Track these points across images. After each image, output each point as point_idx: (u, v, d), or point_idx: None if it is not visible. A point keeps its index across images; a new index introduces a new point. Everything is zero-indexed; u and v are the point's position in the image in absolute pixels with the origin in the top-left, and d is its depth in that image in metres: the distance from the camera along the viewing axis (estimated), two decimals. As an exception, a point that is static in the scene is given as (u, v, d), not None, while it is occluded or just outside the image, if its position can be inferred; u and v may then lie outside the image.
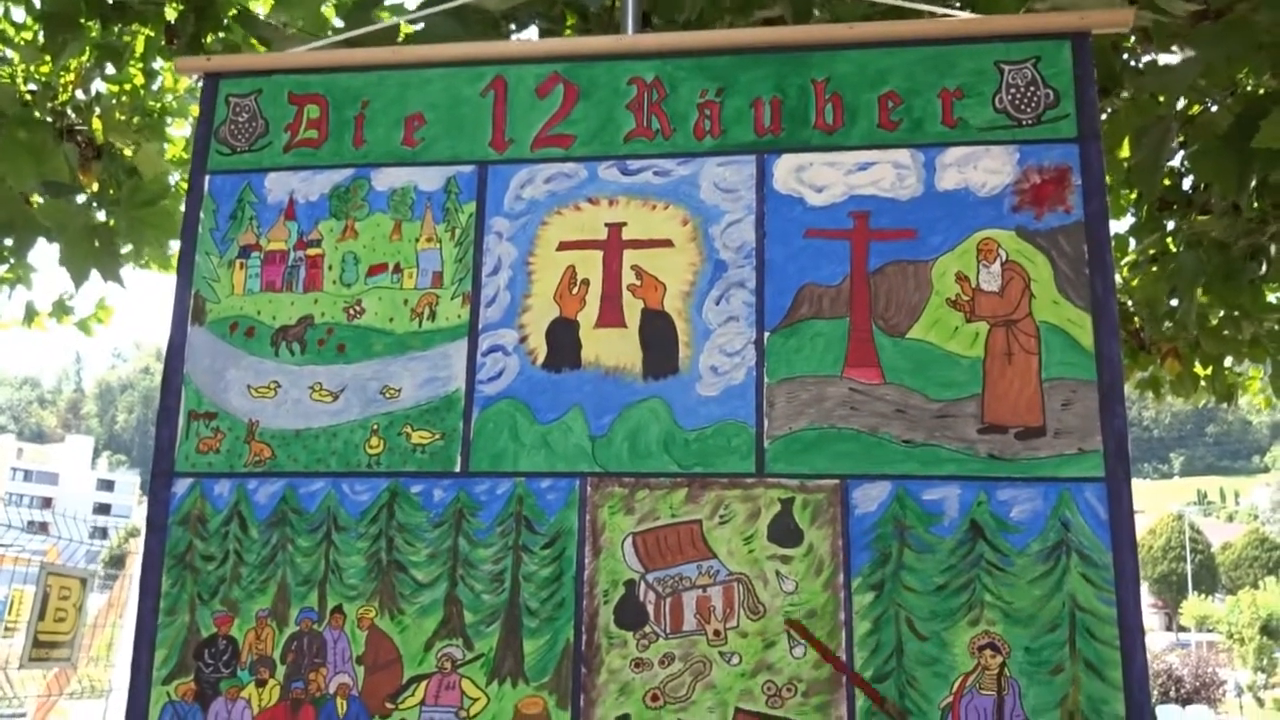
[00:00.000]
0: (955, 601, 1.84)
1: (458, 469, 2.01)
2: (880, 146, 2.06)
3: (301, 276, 2.15)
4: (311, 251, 2.16)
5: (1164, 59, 2.63)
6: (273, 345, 2.12)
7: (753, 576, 1.89)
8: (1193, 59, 2.45)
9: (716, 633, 1.88)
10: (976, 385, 1.93)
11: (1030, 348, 1.94)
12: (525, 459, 2.00)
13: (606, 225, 2.10)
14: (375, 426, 2.05)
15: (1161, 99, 3.33)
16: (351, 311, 2.12)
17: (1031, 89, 2.04)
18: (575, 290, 2.08)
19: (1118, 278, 5.89)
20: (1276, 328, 5.07)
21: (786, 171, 2.07)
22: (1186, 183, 4.63)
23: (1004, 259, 1.98)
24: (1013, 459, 1.89)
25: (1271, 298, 5.75)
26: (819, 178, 2.06)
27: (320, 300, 2.14)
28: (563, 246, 2.10)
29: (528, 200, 2.13)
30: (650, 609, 1.91)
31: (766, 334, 2.00)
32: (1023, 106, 2.04)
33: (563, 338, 2.06)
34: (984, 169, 2.02)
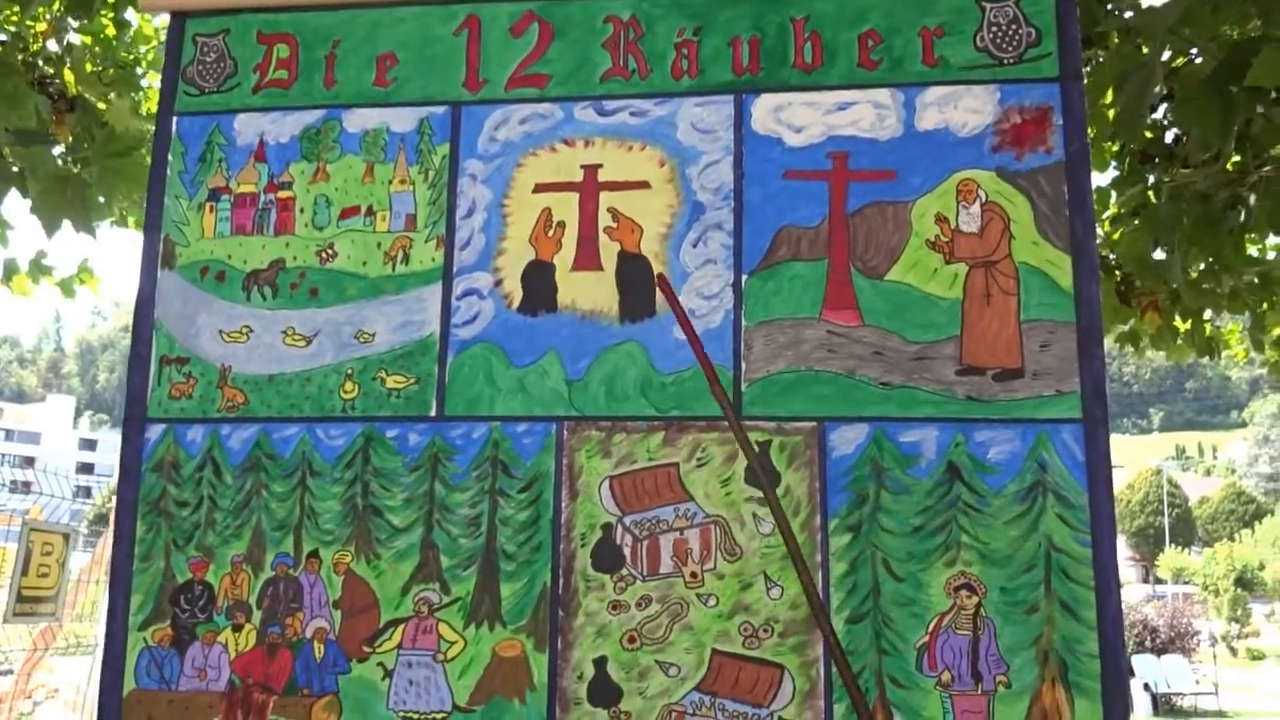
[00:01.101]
0: (932, 542, 1.84)
1: (433, 413, 2.00)
2: (860, 86, 2.03)
3: (272, 219, 2.11)
4: (282, 194, 2.12)
5: (1147, 1, 2.60)
6: (244, 289, 2.08)
7: (730, 519, 1.89)
8: (1175, 1, 2.42)
9: (694, 575, 1.88)
10: (955, 327, 1.92)
11: (1009, 289, 1.93)
12: (501, 403, 1.99)
13: (582, 167, 2.07)
14: (349, 371, 2.03)
15: (1145, 49, 3.28)
16: (324, 255, 2.09)
17: (1013, 27, 2.01)
18: (551, 233, 2.05)
19: (1099, 231, 5.89)
20: (1256, 281, 5.07)
21: (765, 112, 2.04)
22: (1169, 136, 4.60)
23: (984, 200, 1.96)
24: (990, 400, 1.88)
25: (1252, 250, 5.74)
26: (797, 118, 2.03)
27: (292, 244, 2.10)
28: (538, 189, 2.07)
29: (502, 141, 2.09)
30: (627, 552, 1.91)
31: (744, 276, 1.98)
32: (1004, 45, 2.01)
33: (538, 281, 2.03)
34: (964, 109, 2.00)
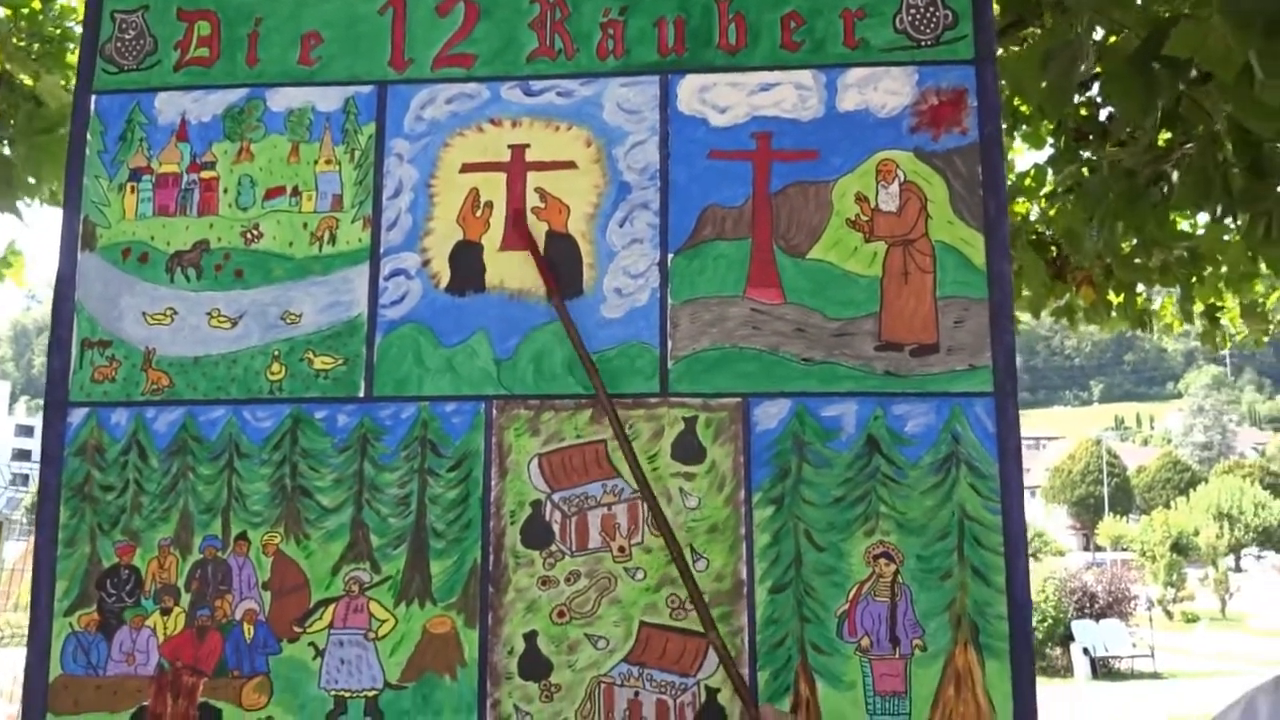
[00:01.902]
0: (852, 513, 1.90)
1: (361, 394, 2.00)
2: (782, 67, 2.06)
3: (196, 200, 2.10)
4: (206, 174, 2.10)
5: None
6: (168, 271, 2.07)
7: (656, 493, 1.92)
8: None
9: (621, 549, 1.92)
10: (874, 304, 1.97)
11: (926, 267, 1.98)
12: (430, 383, 2.00)
13: (509, 147, 2.08)
14: (276, 352, 2.03)
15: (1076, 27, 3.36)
16: (249, 236, 2.07)
17: (931, 9, 2.06)
18: (479, 213, 2.06)
19: (1035, 208, 6.00)
20: (1185, 255, 5.22)
21: (690, 92, 2.07)
22: (1104, 114, 4.70)
23: (902, 179, 2.01)
24: (908, 375, 1.94)
25: (1184, 225, 5.90)
26: (722, 98, 2.06)
27: (216, 224, 2.09)
28: (465, 169, 2.08)
29: (429, 121, 2.09)
30: (556, 528, 1.94)
31: (670, 255, 2.01)
32: (922, 27, 2.06)
33: (466, 261, 2.04)
34: (884, 90, 2.04)
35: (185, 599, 1.95)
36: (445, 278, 2.04)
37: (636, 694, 1.87)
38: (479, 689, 1.89)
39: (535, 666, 1.89)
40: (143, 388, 2.03)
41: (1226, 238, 4.87)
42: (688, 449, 1.94)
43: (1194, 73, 2.70)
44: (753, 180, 2.03)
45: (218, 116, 2.12)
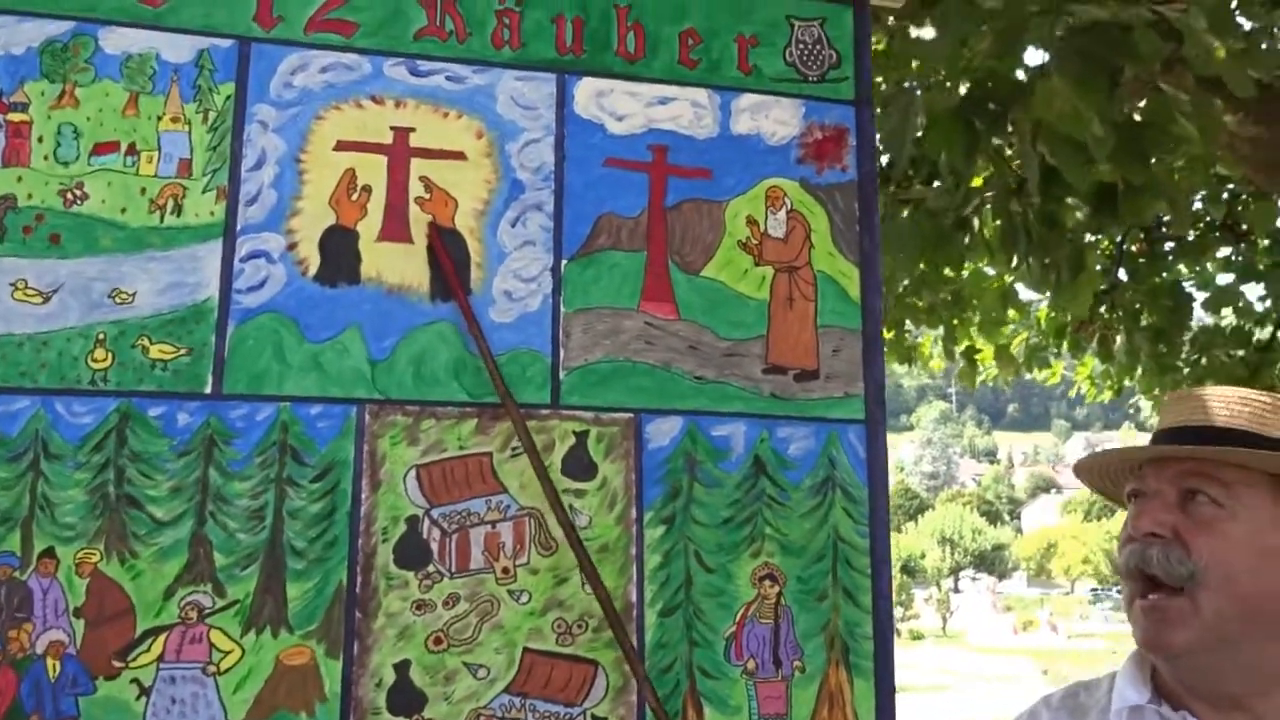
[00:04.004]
0: (739, 534, 1.90)
1: (208, 390, 1.74)
2: (680, 83, 2.04)
3: (0, 146, 1.73)
4: (14, 116, 1.74)
5: (916, 32, 2.88)
6: (-42, 228, 1.69)
7: (545, 511, 1.82)
8: (941, 36, 2.67)
9: (505, 570, 1.79)
10: (762, 326, 1.99)
11: (809, 294, 2.03)
12: (292, 381, 1.77)
13: (392, 129, 1.90)
14: (101, 336, 1.71)
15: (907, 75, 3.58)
16: (70, 196, 1.74)
17: (818, 47, 2.13)
18: (355, 197, 1.86)
19: None
20: (949, 298, 5.73)
21: (587, 95, 1.99)
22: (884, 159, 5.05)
23: (789, 207, 2.05)
24: (791, 399, 1.97)
25: (948, 270, 6.47)
26: (620, 106, 2.00)
27: (26, 178, 1.73)
28: (341, 146, 1.87)
29: (300, 89, 1.87)
30: (434, 547, 1.78)
31: (564, 261, 1.92)
32: (809, 63, 2.12)
33: (339, 248, 1.84)
34: (774, 118, 2.08)
35: (-32, 630, 1.59)
36: (314, 265, 1.82)
37: (520, 726, 1.75)
38: (340, 727, 1.68)
39: (407, 700, 1.72)
40: (-80, 368, 1.63)
41: (984, 285, 5.38)
42: (579, 464, 1.85)
43: (1009, 126, 2.97)
44: (649, 192, 1.99)
45: (33, 49, 1.77)
